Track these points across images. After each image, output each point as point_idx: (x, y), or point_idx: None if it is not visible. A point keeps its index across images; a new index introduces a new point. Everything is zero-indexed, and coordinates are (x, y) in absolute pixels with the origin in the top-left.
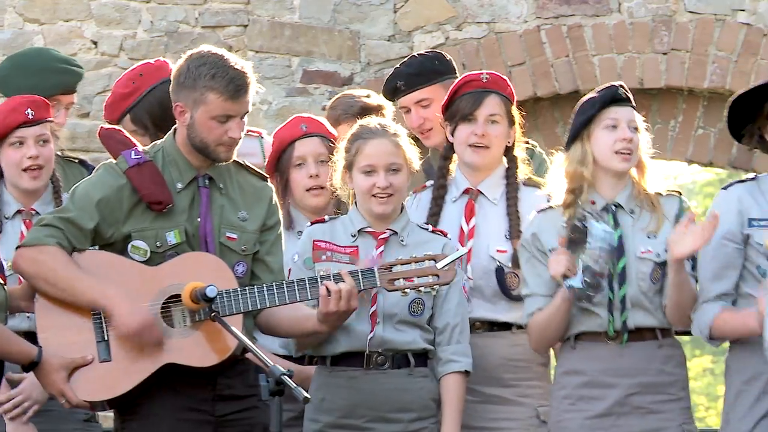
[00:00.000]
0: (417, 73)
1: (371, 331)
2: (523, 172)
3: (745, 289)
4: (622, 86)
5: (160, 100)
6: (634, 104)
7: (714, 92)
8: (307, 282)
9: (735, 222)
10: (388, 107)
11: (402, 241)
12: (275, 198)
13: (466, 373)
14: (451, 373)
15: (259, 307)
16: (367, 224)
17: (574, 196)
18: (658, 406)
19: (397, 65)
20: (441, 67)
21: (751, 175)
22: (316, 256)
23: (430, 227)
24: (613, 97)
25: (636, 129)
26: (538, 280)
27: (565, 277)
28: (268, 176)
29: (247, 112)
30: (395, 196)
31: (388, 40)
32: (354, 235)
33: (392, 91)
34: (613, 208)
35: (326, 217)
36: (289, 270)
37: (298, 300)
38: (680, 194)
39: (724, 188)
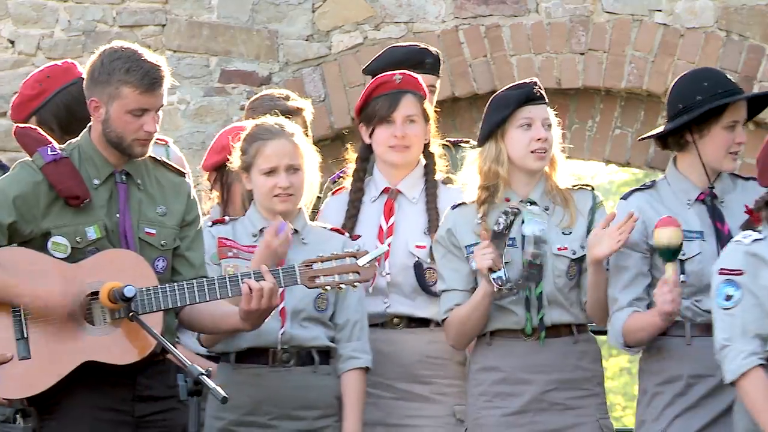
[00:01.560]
0: (438, 61)
1: (281, 327)
2: (441, 167)
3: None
4: (536, 84)
5: (66, 103)
6: (547, 101)
7: (631, 92)
8: (228, 280)
9: (638, 231)
10: (308, 109)
11: (303, 239)
12: (193, 193)
13: (366, 369)
14: (352, 370)
15: (179, 305)
16: (268, 224)
17: (488, 193)
18: (574, 402)
19: (421, 45)
20: (430, 60)
21: (649, 181)
22: (222, 252)
23: (329, 226)
24: (528, 97)
25: (549, 126)
26: (455, 275)
27: (491, 270)
28: (185, 172)
29: (162, 105)
30: (296, 195)
31: (307, 40)
32: (255, 235)
33: (418, 64)
34: (528, 205)
35: (226, 218)
36: None
37: (219, 298)
38: (592, 188)
39: (623, 198)
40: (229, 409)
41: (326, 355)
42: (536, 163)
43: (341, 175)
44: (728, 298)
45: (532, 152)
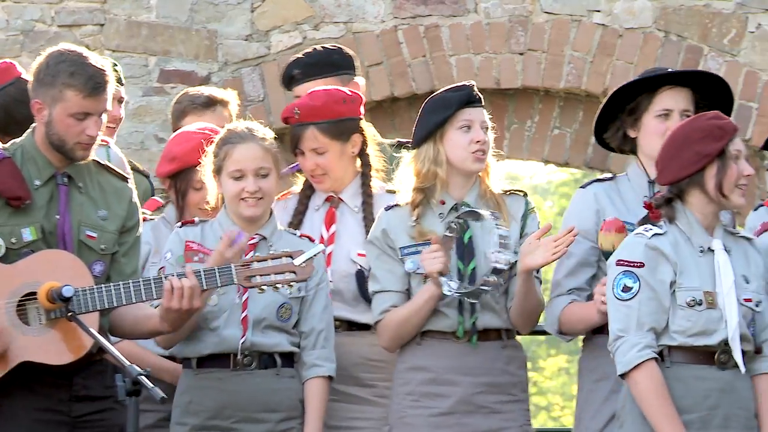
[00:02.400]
0: (314, 63)
1: (243, 336)
2: (381, 174)
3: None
4: (473, 86)
5: (4, 104)
6: (483, 103)
7: (570, 92)
8: (164, 280)
9: (592, 220)
10: (233, 102)
11: (271, 246)
12: (135, 198)
13: (330, 378)
14: (315, 378)
15: (115, 305)
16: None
17: (422, 195)
18: (501, 406)
19: (298, 55)
20: (339, 60)
21: (609, 175)
22: (188, 256)
23: (298, 232)
24: (468, 99)
25: (486, 129)
26: (390, 276)
27: (441, 274)
28: (128, 177)
29: (106, 110)
30: (265, 199)
31: (246, 40)
32: None
33: (288, 80)
34: (463, 208)
35: (196, 219)
36: (163, 268)
37: (155, 298)
38: (525, 194)
39: (582, 186)
40: (192, 413)
41: (289, 358)
42: (475, 165)
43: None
44: (626, 289)
45: (471, 154)
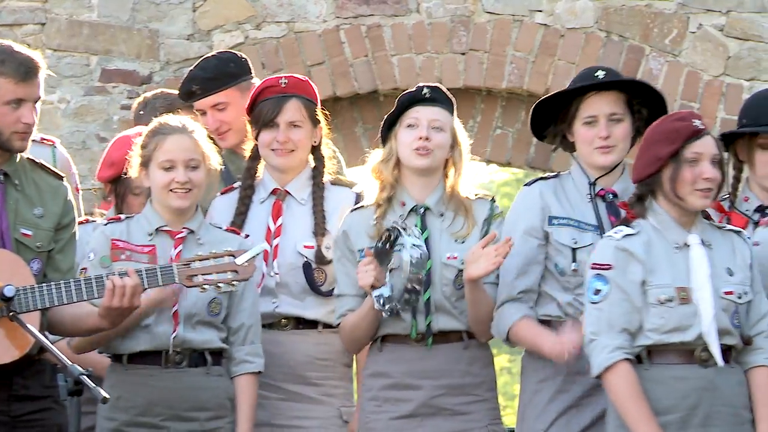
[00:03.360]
0: (212, 77)
1: (174, 331)
2: (331, 169)
3: (544, 288)
4: (436, 86)
5: None
6: (440, 103)
7: (512, 92)
8: (105, 279)
9: (537, 218)
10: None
11: (199, 239)
12: (71, 196)
13: (258, 373)
14: (244, 374)
15: (56, 304)
16: (164, 223)
17: (385, 195)
18: (464, 407)
19: (192, 68)
20: (236, 69)
21: (553, 173)
22: (115, 255)
23: (224, 227)
24: (415, 98)
25: (440, 129)
26: (347, 280)
27: (373, 287)
28: (63, 176)
29: (39, 98)
30: (193, 191)
31: (188, 39)
32: (151, 234)
33: (188, 95)
34: (422, 210)
35: (122, 216)
36: (85, 269)
37: (96, 297)
38: (493, 199)
39: (527, 184)
40: (121, 409)
41: (219, 356)
42: (418, 161)
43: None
44: (597, 292)
45: (414, 151)
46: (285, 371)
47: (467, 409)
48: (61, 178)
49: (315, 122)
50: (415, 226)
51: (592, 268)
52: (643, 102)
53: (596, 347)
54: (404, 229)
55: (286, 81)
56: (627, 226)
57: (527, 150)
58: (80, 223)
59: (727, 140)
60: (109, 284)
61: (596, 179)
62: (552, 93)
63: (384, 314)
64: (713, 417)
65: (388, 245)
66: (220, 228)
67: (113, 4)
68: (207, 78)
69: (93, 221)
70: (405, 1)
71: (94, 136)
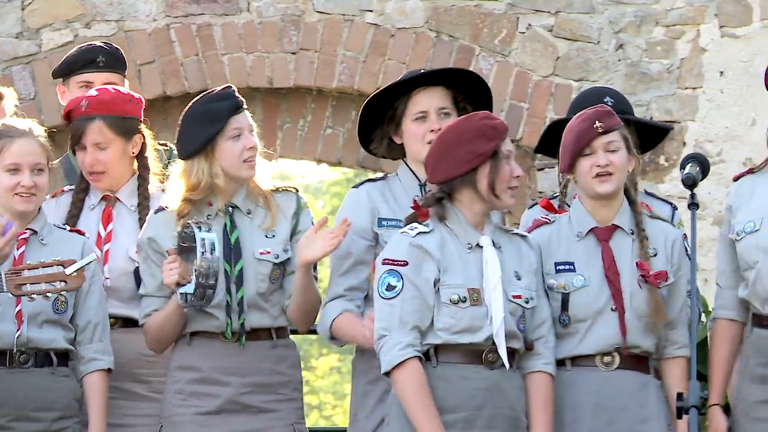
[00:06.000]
0: (117, 57)
1: (18, 330)
2: (156, 176)
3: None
4: (234, 92)
5: None
6: (245, 106)
7: (342, 92)
8: None
9: (366, 219)
10: (8, 96)
11: (42, 240)
12: None
13: (108, 371)
14: (94, 372)
15: None
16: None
17: (192, 205)
18: (269, 405)
19: (87, 44)
20: (123, 60)
21: (381, 174)
22: None
23: (68, 227)
24: (236, 107)
25: (252, 131)
26: (153, 281)
27: (179, 284)
28: None
29: None
30: (38, 195)
31: (16, 38)
32: None
33: (89, 62)
34: (230, 209)
35: None
36: None
37: None
38: (296, 190)
39: (355, 186)
40: None
41: (65, 356)
42: (249, 172)
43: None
44: (389, 288)
45: (244, 162)
46: (115, 369)
47: (273, 407)
48: None
49: (128, 135)
50: (224, 215)
51: (384, 264)
52: (469, 99)
53: (387, 343)
54: (198, 225)
55: (87, 103)
56: (419, 224)
57: (358, 150)
58: None
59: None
60: None
61: (426, 180)
62: (379, 90)
63: (187, 310)
64: (497, 419)
65: (189, 242)
66: (64, 228)
67: None
68: (113, 55)
69: None
70: (235, 0)
71: None
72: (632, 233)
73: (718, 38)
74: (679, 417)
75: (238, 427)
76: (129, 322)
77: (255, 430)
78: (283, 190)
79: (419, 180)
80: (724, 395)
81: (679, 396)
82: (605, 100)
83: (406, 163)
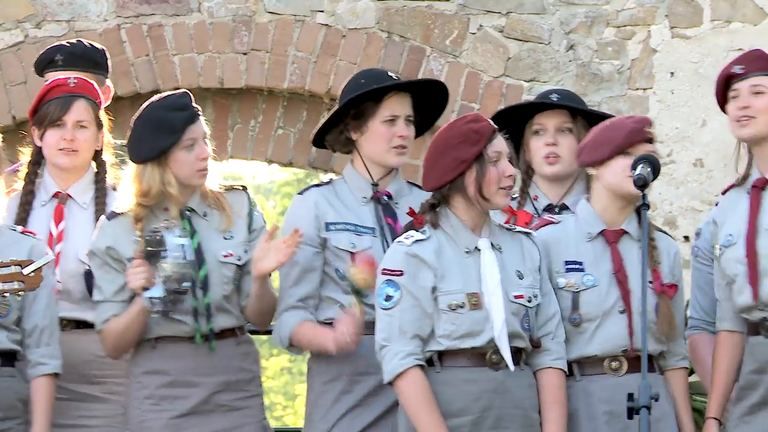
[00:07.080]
0: (79, 55)
1: None
2: (113, 175)
3: (325, 293)
4: (191, 100)
5: None
6: (200, 112)
7: (294, 92)
8: None
9: (312, 226)
10: None
11: None
12: None
13: (56, 375)
14: (40, 376)
15: None
16: None
17: (147, 209)
18: (239, 403)
19: (63, 42)
20: (101, 61)
21: (326, 178)
22: None
23: (20, 228)
24: (192, 118)
25: (205, 137)
26: (111, 287)
27: (145, 288)
28: None
29: None
30: None
31: None
32: None
33: (47, 62)
34: (188, 213)
35: None
36: None
37: None
38: (245, 188)
39: (300, 193)
40: None
41: (11, 357)
42: (201, 180)
43: (18, 168)
44: (388, 298)
45: (197, 171)
46: (68, 371)
47: (242, 405)
48: None
49: (99, 126)
50: (184, 228)
51: (383, 274)
52: (421, 106)
53: (388, 353)
54: (167, 229)
55: (75, 81)
56: (416, 231)
57: (309, 150)
58: None
59: (515, 143)
60: None
61: (378, 180)
62: (369, 90)
63: (153, 315)
64: (504, 419)
65: (155, 247)
66: (15, 229)
67: None
68: (73, 53)
69: None
70: (186, 0)
71: None
72: (638, 240)
73: (668, 39)
74: (630, 417)
75: (211, 428)
76: (81, 324)
77: (227, 428)
78: (232, 189)
79: (372, 179)
80: (722, 409)
81: (630, 396)
82: (551, 96)
83: (354, 164)
